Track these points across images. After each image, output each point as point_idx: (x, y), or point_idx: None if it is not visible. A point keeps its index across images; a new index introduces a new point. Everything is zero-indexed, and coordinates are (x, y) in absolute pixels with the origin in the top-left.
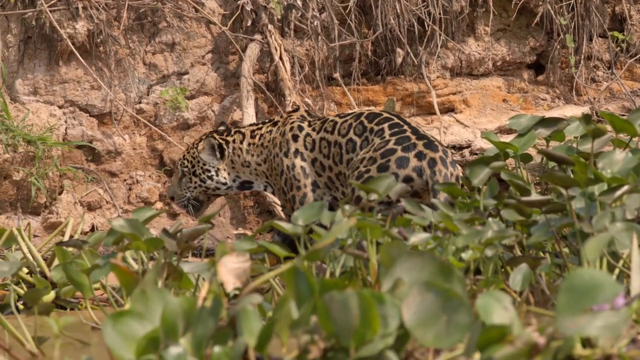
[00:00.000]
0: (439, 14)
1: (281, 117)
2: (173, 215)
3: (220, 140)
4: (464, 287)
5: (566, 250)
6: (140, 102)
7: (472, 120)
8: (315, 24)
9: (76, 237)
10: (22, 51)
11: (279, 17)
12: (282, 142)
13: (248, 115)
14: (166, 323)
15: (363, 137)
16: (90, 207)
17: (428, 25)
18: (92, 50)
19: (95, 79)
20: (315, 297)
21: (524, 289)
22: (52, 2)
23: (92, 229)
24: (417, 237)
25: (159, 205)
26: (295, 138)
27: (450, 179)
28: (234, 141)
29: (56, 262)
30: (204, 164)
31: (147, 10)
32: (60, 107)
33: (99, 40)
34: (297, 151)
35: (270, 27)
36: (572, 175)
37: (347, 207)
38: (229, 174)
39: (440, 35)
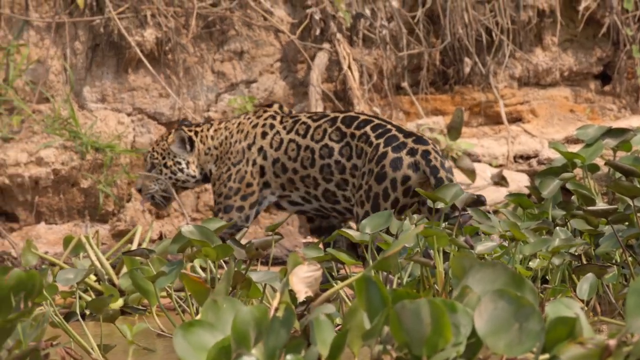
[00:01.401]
0: (507, 24)
1: (254, 112)
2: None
3: (190, 133)
4: (536, 296)
5: (631, 259)
6: (208, 110)
7: (540, 130)
8: (383, 33)
9: (144, 245)
10: (90, 58)
11: (348, 26)
12: (249, 132)
13: None
14: (238, 332)
15: (343, 142)
16: (158, 215)
17: (496, 35)
18: (161, 58)
19: (163, 86)
20: (388, 306)
21: (591, 298)
22: (121, 9)
23: (160, 236)
24: (484, 246)
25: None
26: (264, 135)
27: (447, 170)
28: (202, 130)
29: (124, 269)
30: (175, 156)
31: (216, 19)
32: (128, 114)
33: (167, 48)
34: (261, 148)
35: (339, 35)
36: (638, 185)
37: (414, 215)
38: (197, 166)
39: (508, 45)
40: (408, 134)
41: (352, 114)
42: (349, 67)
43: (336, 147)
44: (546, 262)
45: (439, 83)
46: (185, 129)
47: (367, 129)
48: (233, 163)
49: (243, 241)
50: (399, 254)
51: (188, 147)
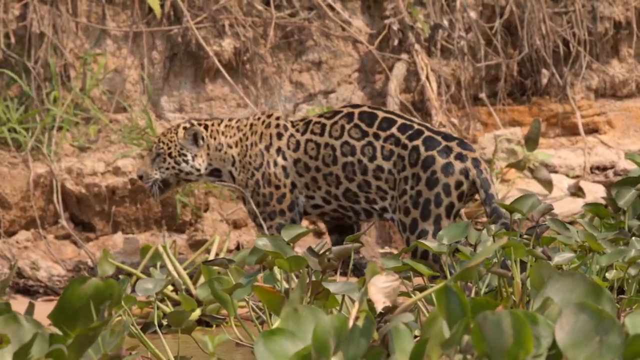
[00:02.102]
0: (584, 35)
1: (262, 113)
2: (319, 234)
3: (199, 126)
4: (614, 307)
5: None
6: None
7: (616, 142)
8: (461, 44)
9: (222, 255)
10: (168, 68)
11: (426, 36)
12: (264, 133)
13: None
14: (318, 341)
15: (364, 141)
16: (235, 225)
17: (573, 47)
18: (239, 68)
19: (241, 97)
20: (467, 315)
21: None
22: (199, 19)
23: (238, 247)
24: (561, 257)
25: (304, 223)
26: (279, 136)
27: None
28: (212, 124)
29: (202, 279)
30: (181, 148)
31: (294, 29)
32: None
33: (245, 58)
34: (279, 149)
35: (417, 46)
36: None
37: (492, 226)
38: (204, 160)
39: (585, 56)
40: (445, 136)
41: (366, 109)
42: (427, 78)
43: (358, 145)
44: (623, 272)
45: (516, 94)
46: (195, 122)
47: (394, 130)
48: (255, 167)
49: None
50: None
51: (200, 141)
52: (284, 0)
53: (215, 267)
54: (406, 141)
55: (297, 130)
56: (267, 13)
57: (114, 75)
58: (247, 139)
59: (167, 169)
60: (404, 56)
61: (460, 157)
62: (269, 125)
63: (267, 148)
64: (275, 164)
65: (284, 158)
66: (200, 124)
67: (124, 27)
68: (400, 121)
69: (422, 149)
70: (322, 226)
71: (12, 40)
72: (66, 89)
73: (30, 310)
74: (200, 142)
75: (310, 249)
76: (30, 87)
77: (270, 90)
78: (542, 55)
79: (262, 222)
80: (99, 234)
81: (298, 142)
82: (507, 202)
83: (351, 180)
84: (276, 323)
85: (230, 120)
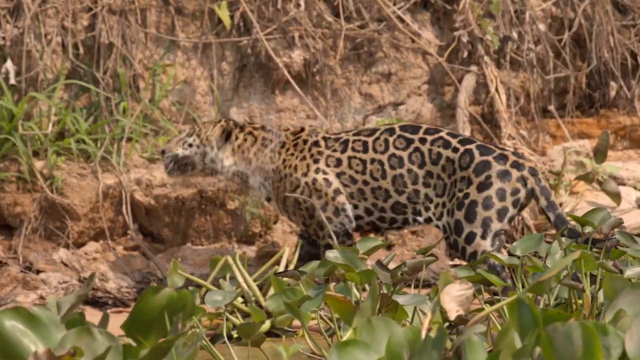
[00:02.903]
0: None
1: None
2: (388, 247)
3: (232, 128)
4: None
5: None
6: None
7: None
8: (530, 56)
9: (291, 267)
10: (237, 79)
11: (495, 48)
12: (298, 165)
13: None
14: (392, 353)
15: (410, 149)
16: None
17: None
18: (308, 79)
19: (311, 108)
20: (539, 328)
21: None
22: (268, 30)
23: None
24: (633, 270)
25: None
26: (316, 161)
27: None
28: (245, 140)
29: (272, 291)
30: (210, 136)
31: (364, 40)
32: None
33: (315, 69)
34: (318, 169)
35: (486, 58)
36: None
37: (563, 239)
38: (228, 157)
39: None
40: (496, 146)
41: (407, 124)
42: (497, 90)
43: (404, 154)
44: None
45: (584, 106)
46: (231, 123)
47: (442, 134)
48: (290, 191)
49: (392, 265)
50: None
51: (224, 138)
52: (353, 12)
53: (286, 279)
54: (458, 145)
55: (334, 150)
56: (337, 25)
57: (183, 86)
58: (280, 172)
59: (191, 145)
60: (474, 68)
61: (517, 165)
62: (303, 158)
63: (305, 174)
64: (315, 180)
65: (324, 173)
66: (235, 129)
67: (194, 38)
68: (447, 130)
69: (476, 152)
70: (392, 237)
71: (81, 50)
72: (135, 100)
73: (104, 322)
74: (226, 138)
75: (379, 262)
76: (99, 97)
77: (339, 102)
78: (610, 67)
79: (315, 232)
80: (168, 245)
81: (338, 160)
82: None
83: (401, 193)
84: (347, 334)
85: (256, 128)
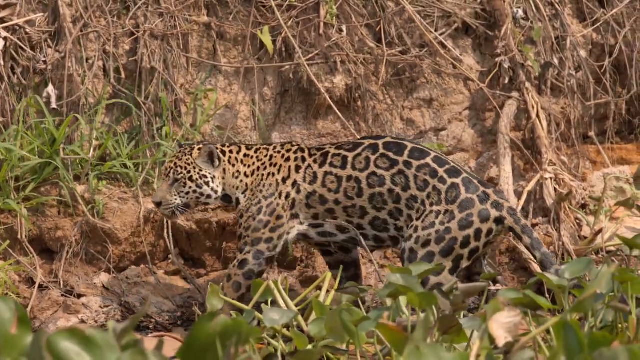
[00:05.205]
0: None
1: (281, 145)
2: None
3: (213, 146)
4: None
5: None
6: None
7: None
8: (571, 82)
9: (332, 293)
10: (279, 104)
11: (537, 74)
12: (282, 165)
13: (505, 172)
14: None
15: (394, 170)
16: None
17: None
18: (350, 104)
19: (352, 133)
20: (585, 352)
21: None
22: (310, 56)
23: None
24: None
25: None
26: (297, 169)
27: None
28: (230, 152)
29: (313, 315)
30: (201, 170)
31: (405, 66)
32: None
33: (356, 95)
34: (295, 182)
35: (527, 84)
36: None
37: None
38: (220, 183)
39: None
40: (482, 182)
41: (390, 139)
42: (538, 116)
43: (387, 175)
44: None
45: (624, 132)
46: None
47: (429, 160)
48: (265, 196)
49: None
50: (594, 298)
51: (217, 162)
52: (395, 37)
53: (327, 304)
54: (445, 175)
55: (315, 162)
56: (379, 50)
57: (225, 111)
58: (265, 168)
59: (188, 193)
60: (515, 94)
61: (496, 206)
62: (288, 159)
63: (284, 180)
64: (287, 195)
65: (298, 191)
66: (217, 149)
67: (235, 63)
68: (433, 154)
69: (462, 189)
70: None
71: (123, 75)
72: (177, 125)
73: (159, 346)
74: (217, 162)
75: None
76: (141, 122)
77: (381, 127)
78: None
79: (242, 246)
80: (209, 269)
81: (315, 175)
82: (615, 241)
83: (380, 210)
84: None
85: (249, 148)
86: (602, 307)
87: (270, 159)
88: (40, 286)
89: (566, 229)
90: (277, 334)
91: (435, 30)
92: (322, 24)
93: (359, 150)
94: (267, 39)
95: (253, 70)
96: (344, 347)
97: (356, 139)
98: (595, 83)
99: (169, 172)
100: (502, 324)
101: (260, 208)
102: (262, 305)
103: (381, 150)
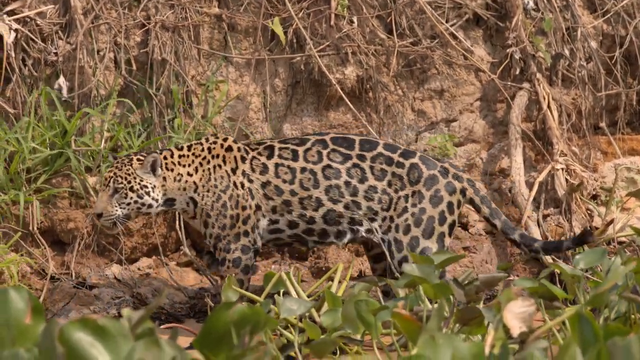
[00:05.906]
0: None
1: (214, 135)
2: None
3: (157, 154)
4: None
5: None
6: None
7: None
8: (582, 73)
9: (344, 283)
10: (290, 96)
11: (548, 65)
12: (227, 156)
13: (516, 162)
14: None
15: (348, 164)
16: (357, 253)
17: None
18: (361, 95)
19: (364, 124)
20: (600, 342)
21: None
22: (321, 47)
23: (360, 274)
24: None
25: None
26: (243, 159)
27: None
28: (164, 157)
29: (325, 306)
30: (142, 180)
31: (417, 57)
32: None
33: (368, 86)
34: (244, 172)
35: (538, 75)
36: None
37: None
38: (159, 192)
39: None
40: (434, 158)
41: (334, 134)
42: (549, 107)
43: (342, 168)
44: None
45: (635, 123)
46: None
47: (380, 149)
48: (221, 190)
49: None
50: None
51: (159, 170)
52: (406, 28)
53: (339, 295)
54: (401, 159)
55: (260, 154)
56: (390, 41)
57: (236, 102)
58: (208, 162)
59: (129, 204)
60: (526, 85)
61: (457, 178)
62: (229, 149)
63: (234, 170)
64: (242, 185)
65: (250, 181)
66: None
67: (246, 54)
68: (382, 143)
69: (423, 167)
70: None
71: (134, 66)
72: (188, 116)
73: (174, 335)
74: (159, 170)
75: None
76: (152, 114)
77: (392, 118)
78: None
79: (226, 245)
80: None
81: (265, 165)
82: (627, 231)
83: (336, 202)
84: (414, 350)
85: (181, 149)
86: (616, 299)
87: (209, 152)
88: (52, 278)
89: (577, 220)
90: (289, 325)
91: (446, 21)
92: (333, 15)
93: (308, 145)
94: (279, 29)
95: (264, 62)
96: (358, 337)
97: (299, 136)
98: (606, 74)
99: (109, 182)
100: (517, 314)
101: (224, 203)
102: (276, 296)
103: (331, 146)
